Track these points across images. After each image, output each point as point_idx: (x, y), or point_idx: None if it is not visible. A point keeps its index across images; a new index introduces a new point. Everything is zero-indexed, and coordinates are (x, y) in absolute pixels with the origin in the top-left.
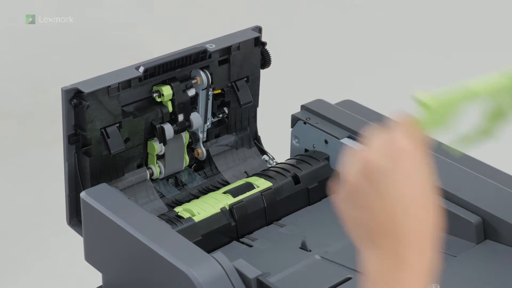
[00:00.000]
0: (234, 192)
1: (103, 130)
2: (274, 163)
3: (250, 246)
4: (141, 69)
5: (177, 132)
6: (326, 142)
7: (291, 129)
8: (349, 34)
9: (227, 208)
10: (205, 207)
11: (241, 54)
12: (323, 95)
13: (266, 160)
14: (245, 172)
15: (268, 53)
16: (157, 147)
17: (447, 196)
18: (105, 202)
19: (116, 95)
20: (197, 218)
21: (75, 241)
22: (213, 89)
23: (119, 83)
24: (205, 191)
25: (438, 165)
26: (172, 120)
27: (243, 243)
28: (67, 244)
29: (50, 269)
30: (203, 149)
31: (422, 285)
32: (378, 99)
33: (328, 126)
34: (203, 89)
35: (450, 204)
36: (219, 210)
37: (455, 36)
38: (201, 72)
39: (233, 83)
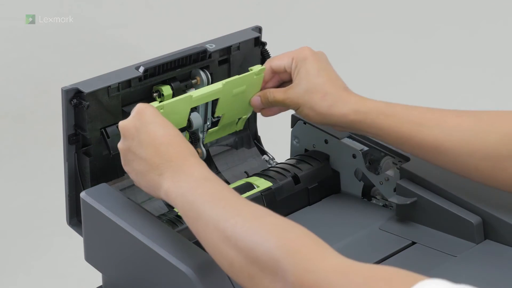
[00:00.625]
0: None
1: (103, 130)
2: (274, 163)
3: None
4: (141, 69)
5: None
6: (326, 142)
7: (291, 129)
8: (349, 34)
9: None
10: None
11: (241, 54)
12: None
13: (266, 160)
14: (245, 172)
15: (268, 53)
16: None
17: (447, 196)
18: (105, 202)
19: (116, 95)
20: None
21: (75, 241)
22: None
23: (119, 83)
24: None
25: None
26: None
27: None
28: (67, 244)
29: (50, 269)
30: (203, 149)
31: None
32: (378, 99)
33: (328, 126)
34: None
35: (450, 204)
36: None
37: (456, 37)
38: (201, 72)
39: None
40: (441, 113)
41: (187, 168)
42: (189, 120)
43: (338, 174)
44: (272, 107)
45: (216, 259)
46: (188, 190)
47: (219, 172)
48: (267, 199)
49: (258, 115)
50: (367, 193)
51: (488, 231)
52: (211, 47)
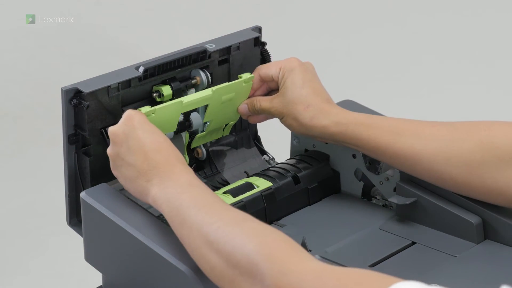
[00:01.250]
0: (234, 192)
1: (103, 130)
2: (274, 163)
3: None
4: (141, 69)
5: (176, 132)
6: (326, 143)
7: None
8: (349, 34)
9: None
10: None
11: (241, 54)
12: None
13: (266, 160)
14: (245, 172)
15: (268, 53)
16: None
17: (447, 196)
18: (105, 202)
19: (116, 95)
20: None
21: (75, 241)
22: None
23: (119, 83)
24: None
25: None
26: None
27: None
28: (67, 244)
29: (50, 269)
30: (203, 149)
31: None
32: (378, 99)
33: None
34: (203, 89)
35: (450, 204)
36: None
37: (456, 37)
38: (201, 72)
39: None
40: (417, 123)
41: (173, 175)
42: (189, 120)
43: (338, 174)
44: (258, 115)
45: (199, 264)
46: (174, 196)
47: (219, 172)
48: (267, 199)
49: None
50: (367, 193)
51: (488, 231)
52: (211, 47)
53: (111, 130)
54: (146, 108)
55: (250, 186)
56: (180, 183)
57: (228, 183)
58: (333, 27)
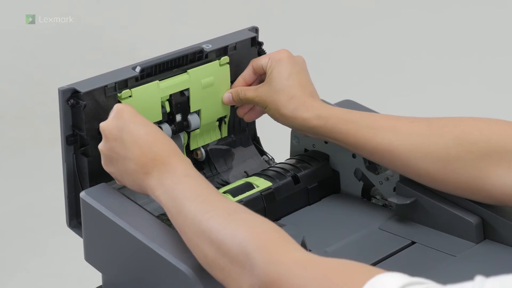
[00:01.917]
0: (234, 192)
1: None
2: (274, 163)
3: None
4: (138, 69)
5: (175, 132)
6: (326, 142)
7: (291, 129)
8: (348, 34)
9: None
10: None
11: (238, 54)
12: (323, 95)
13: (265, 161)
14: (244, 172)
15: (265, 53)
16: None
17: (447, 196)
18: (105, 202)
19: (113, 95)
20: None
21: (75, 241)
22: None
23: (116, 83)
24: None
25: None
26: (170, 120)
27: None
28: (66, 244)
29: (49, 269)
30: (203, 150)
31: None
32: (378, 99)
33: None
34: None
35: (450, 204)
36: None
37: (456, 38)
38: None
39: (230, 83)
40: (396, 119)
41: (170, 166)
42: (187, 120)
43: (338, 174)
44: (255, 111)
45: (194, 252)
46: (171, 187)
47: (219, 172)
48: (266, 199)
49: None
50: (367, 193)
51: (488, 231)
52: (207, 47)
53: (103, 125)
54: (127, 94)
55: (249, 186)
56: (177, 174)
57: (228, 183)
58: (333, 27)
